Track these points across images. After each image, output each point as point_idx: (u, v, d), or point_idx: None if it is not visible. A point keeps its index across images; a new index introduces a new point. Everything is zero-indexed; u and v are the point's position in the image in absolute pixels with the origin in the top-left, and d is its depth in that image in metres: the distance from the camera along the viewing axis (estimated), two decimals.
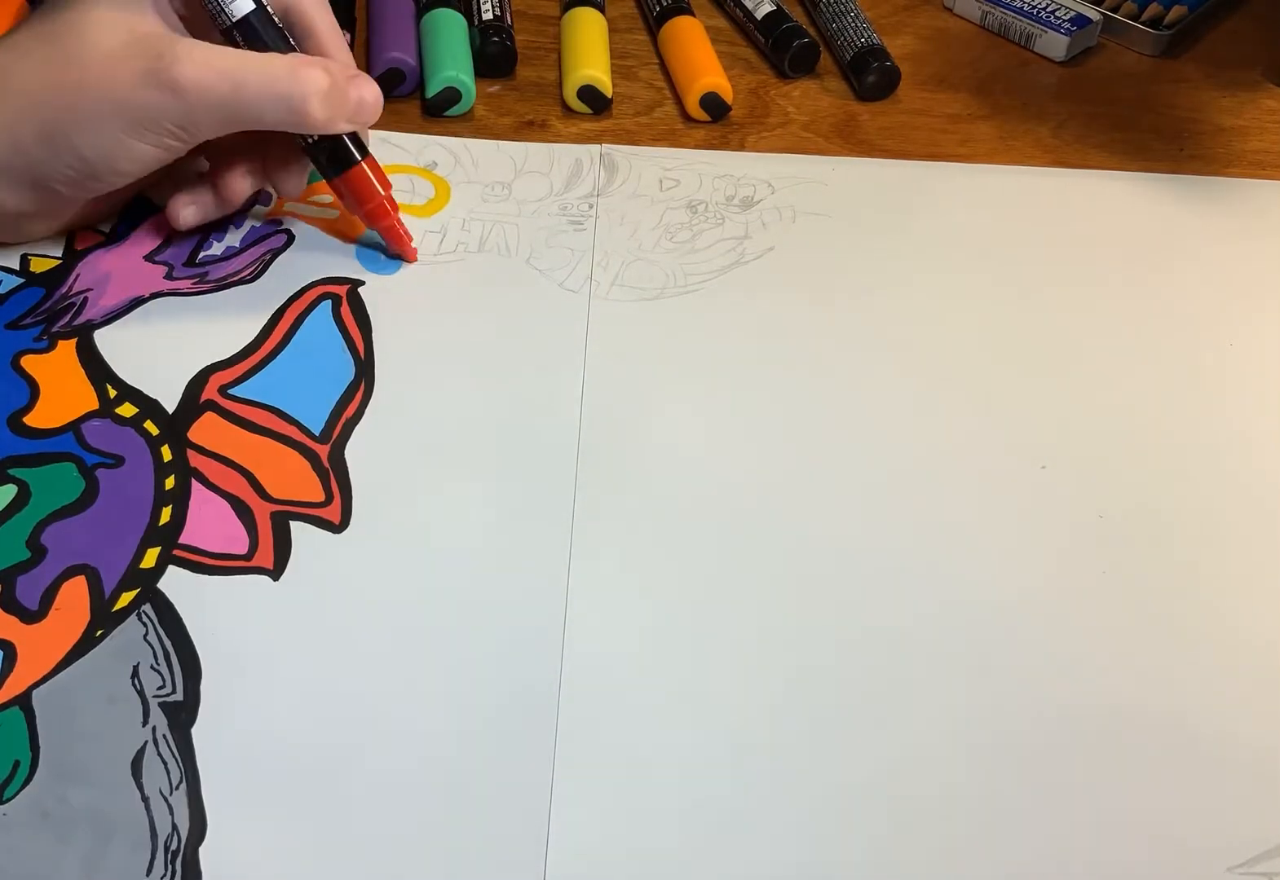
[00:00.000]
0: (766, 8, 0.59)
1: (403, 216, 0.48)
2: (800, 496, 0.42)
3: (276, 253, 0.48)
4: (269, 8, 0.43)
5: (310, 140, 0.45)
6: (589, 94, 0.55)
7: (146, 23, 0.42)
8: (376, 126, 0.53)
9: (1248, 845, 0.35)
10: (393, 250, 0.48)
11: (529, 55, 0.59)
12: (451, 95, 0.54)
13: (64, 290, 0.46)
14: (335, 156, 0.46)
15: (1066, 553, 0.41)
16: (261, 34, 0.43)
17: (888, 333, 0.47)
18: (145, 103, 0.41)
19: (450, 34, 0.56)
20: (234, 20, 0.43)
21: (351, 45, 0.56)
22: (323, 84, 0.42)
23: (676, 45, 0.58)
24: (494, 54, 0.57)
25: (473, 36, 0.57)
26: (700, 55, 0.57)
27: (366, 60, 0.56)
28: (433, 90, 0.54)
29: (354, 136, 0.46)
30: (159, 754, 0.35)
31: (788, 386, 0.45)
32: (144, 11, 0.42)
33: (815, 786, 0.36)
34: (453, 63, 0.55)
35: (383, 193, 0.47)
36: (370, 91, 0.44)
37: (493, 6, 0.58)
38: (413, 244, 0.48)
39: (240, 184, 0.46)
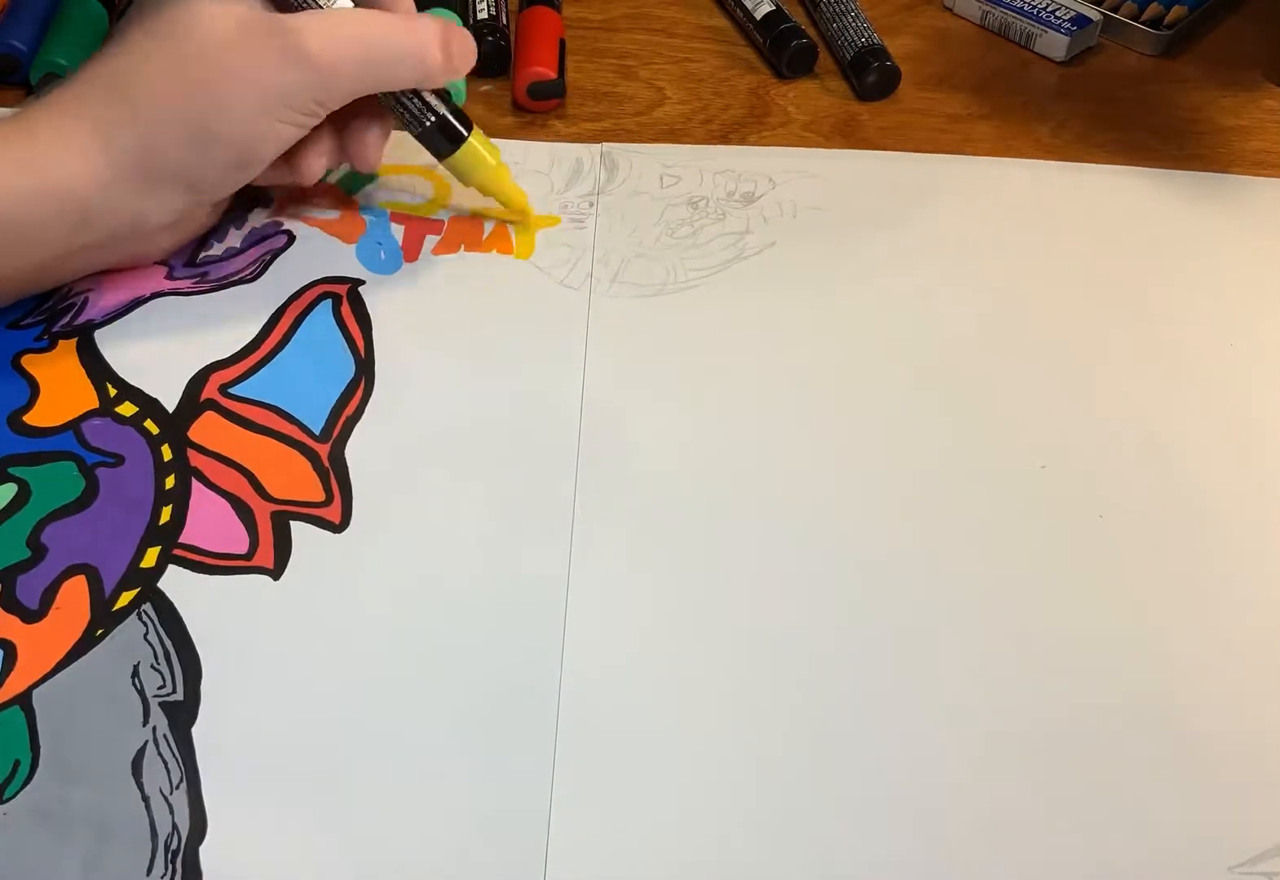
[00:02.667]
0: (766, 8, 0.59)
1: (398, 215, 0.49)
2: (800, 495, 0.42)
3: (277, 253, 0.48)
4: None
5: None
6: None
7: (246, 5, 0.41)
8: None
9: (1248, 845, 0.35)
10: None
11: None
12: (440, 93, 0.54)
13: (64, 290, 0.46)
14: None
15: (1066, 553, 0.41)
16: None
17: (888, 329, 0.47)
18: (285, 82, 0.41)
19: None
20: None
21: None
22: (438, 33, 0.43)
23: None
24: (488, 53, 0.57)
25: None
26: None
27: None
28: None
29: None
30: (159, 753, 0.35)
31: (788, 382, 0.45)
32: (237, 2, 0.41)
33: (816, 785, 0.36)
34: None
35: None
36: (468, 44, 0.45)
37: (488, 6, 0.58)
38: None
39: (318, 162, 0.46)
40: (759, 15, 0.59)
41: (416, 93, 0.45)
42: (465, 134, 0.47)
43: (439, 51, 0.43)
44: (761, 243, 0.50)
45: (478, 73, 0.57)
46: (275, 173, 0.45)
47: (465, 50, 0.45)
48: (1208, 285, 0.50)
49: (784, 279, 0.49)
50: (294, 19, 0.41)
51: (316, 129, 0.45)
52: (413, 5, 0.46)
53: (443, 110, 0.46)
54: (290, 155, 0.45)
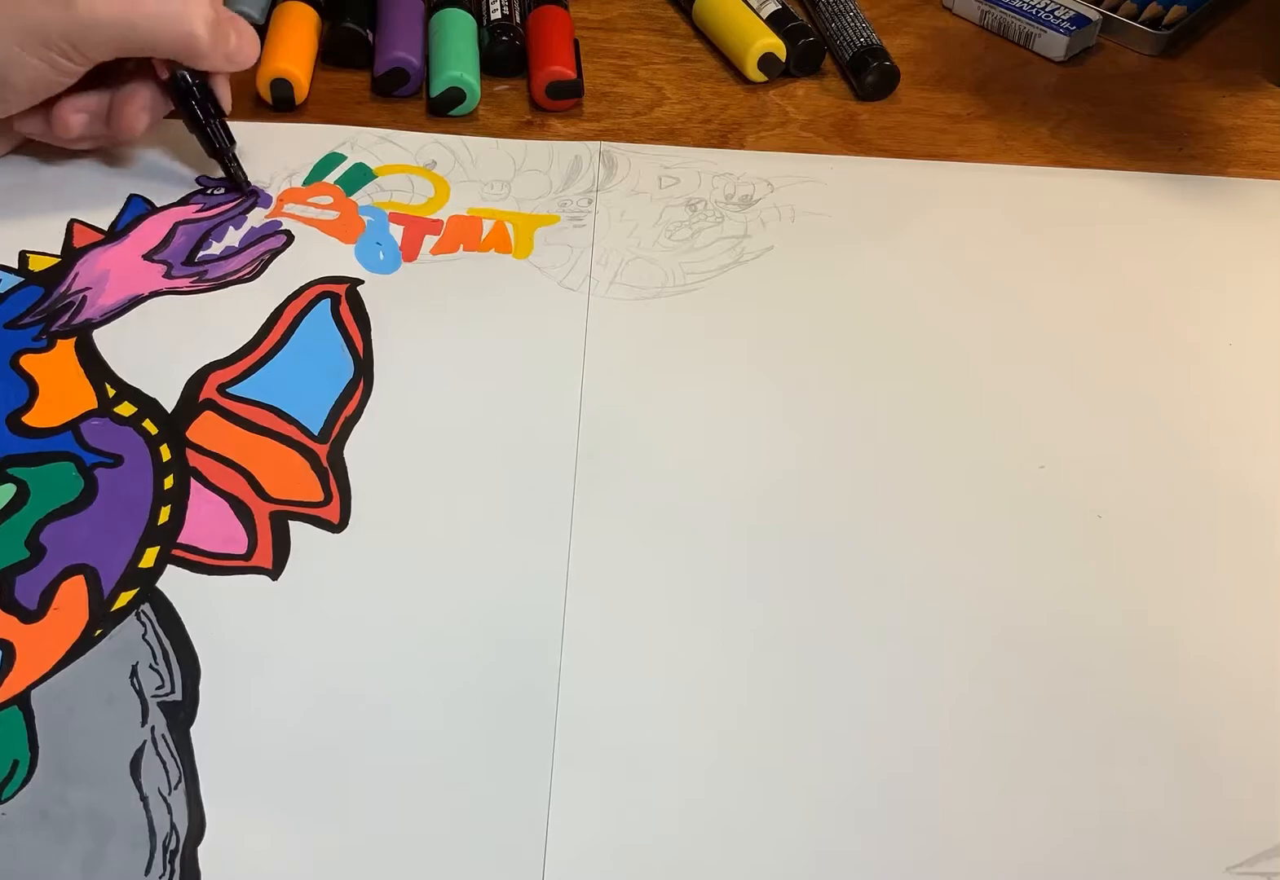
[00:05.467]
0: (772, 6, 0.59)
1: (397, 215, 0.50)
2: (799, 495, 0.42)
3: (275, 252, 0.48)
4: None
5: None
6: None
7: None
8: (379, 125, 0.54)
9: (1247, 845, 0.35)
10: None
11: None
12: (455, 95, 0.54)
13: (63, 289, 0.46)
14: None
15: (1066, 553, 0.41)
16: None
17: (887, 332, 0.47)
18: (43, 18, 0.42)
19: (458, 34, 0.56)
20: None
21: (371, 45, 0.57)
22: (208, 13, 0.45)
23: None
24: (502, 53, 0.57)
25: (482, 36, 0.57)
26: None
27: (374, 59, 0.56)
28: (437, 90, 0.54)
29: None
30: (158, 753, 0.35)
31: (786, 385, 0.45)
32: None
33: (815, 785, 0.36)
34: (458, 63, 0.55)
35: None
36: (248, 37, 0.48)
37: (502, 6, 0.58)
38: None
39: (75, 118, 0.47)
40: (764, 14, 0.59)
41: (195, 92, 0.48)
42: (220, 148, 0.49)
43: (203, 29, 0.45)
44: (760, 247, 0.50)
45: (494, 73, 0.57)
46: (36, 124, 0.47)
47: (243, 41, 0.47)
48: (1208, 285, 0.50)
49: (782, 283, 0.49)
50: None
51: (83, 88, 0.46)
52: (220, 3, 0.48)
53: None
54: (51, 107, 0.47)
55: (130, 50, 0.45)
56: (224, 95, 0.49)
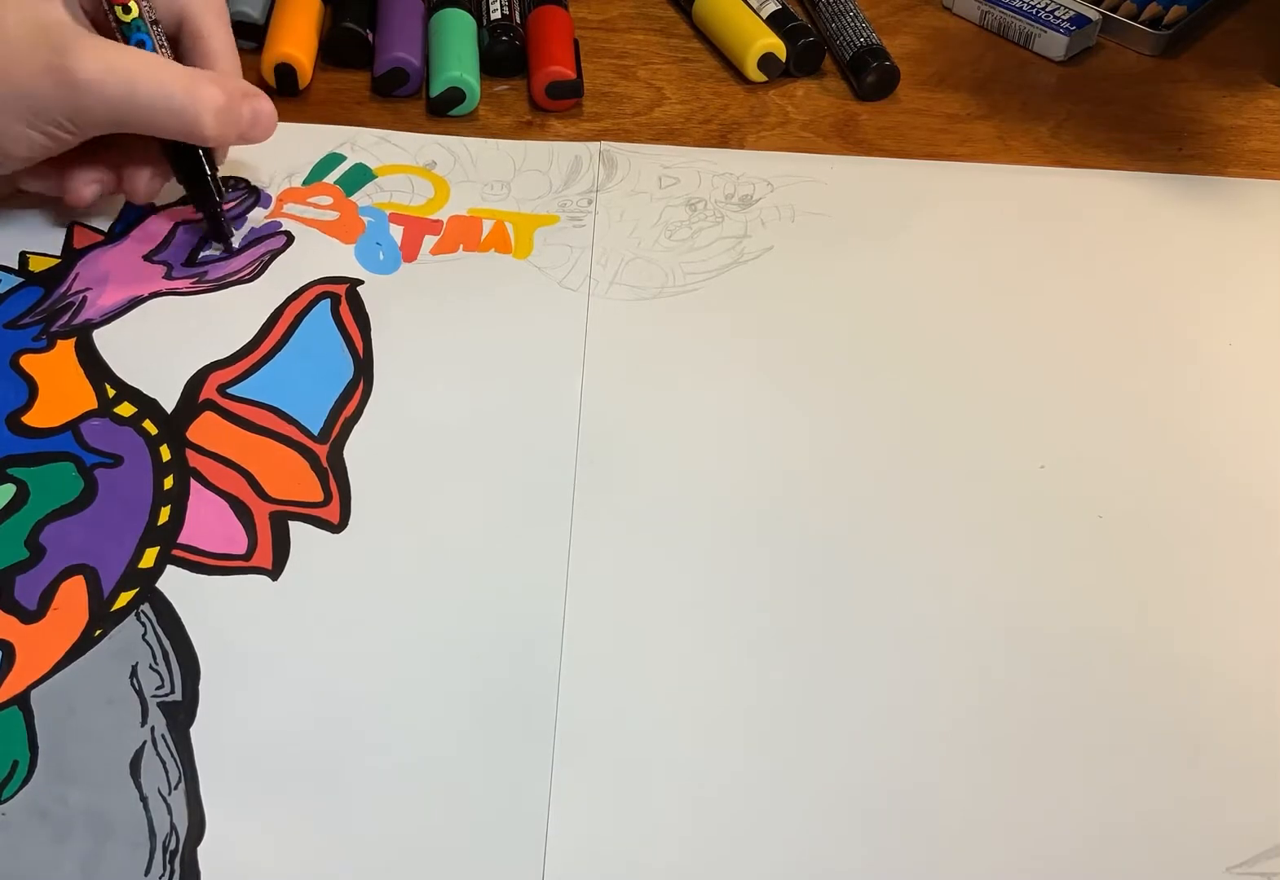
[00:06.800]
0: (771, 6, 0.59)
1: (397, 215, 0.50)
2: (799, 495, 0.42)
3: (276, 253, 0.48)
4: (160, 18, 0.45)
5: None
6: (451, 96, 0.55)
7: (54, 13, 0.42)
8: (379, 125, 0.54)
9: (1247, 845, 0.35)
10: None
11: None
12: (455, 95, 0.54)
13: (63, 289, 0.46)
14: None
15: (1066, 553, 0.41)
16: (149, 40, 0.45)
17: (887, 332, 0.47)
18: (40, 93, 0.41)
19: (458, 34, 0.56)
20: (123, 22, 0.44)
21: (371, 45, 0.57)
22: (218, 101, 0.43)
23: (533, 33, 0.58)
24: (501, 53, 0.57)
25: (482, 36, 0.57)
26: (550, 44, 0.57)
27: (374, 59, 0.56)
28: (436, 90, 0.54)
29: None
30: (157, 754, 0.35)
31: (786, 386, 0.45)
32: (53, 2, 0.42)
33: (815, 787, 0.36)
34: (458, 63, 0.55)
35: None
36: (265, 109, 0.46)
37: (502, 6, 0.58)
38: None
39: (88, 188, 0.46)
40: (764, 14, 0.59)
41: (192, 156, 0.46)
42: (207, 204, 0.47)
43: (211, 116, 0.43)
44: (760, 247, 0.50)
45: (493, 73, 0.57)
46: (44, 183, 0.46)
47: (260, 117, 0.45)
48: (1207, 285, 0.50)
49: (782, 283, 0.49)
50: (84, 39, 0.42)
51: (92, 156, 0.45)
52: (232, 67, 0.46)
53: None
54: (63, 175, 0.46)
55: (132, 129, 0.43)
56: (220, 152, 0.48)
